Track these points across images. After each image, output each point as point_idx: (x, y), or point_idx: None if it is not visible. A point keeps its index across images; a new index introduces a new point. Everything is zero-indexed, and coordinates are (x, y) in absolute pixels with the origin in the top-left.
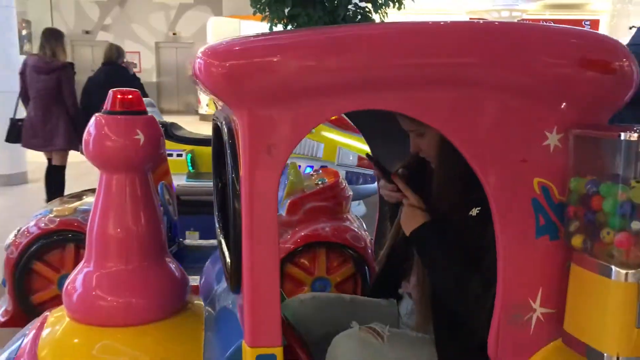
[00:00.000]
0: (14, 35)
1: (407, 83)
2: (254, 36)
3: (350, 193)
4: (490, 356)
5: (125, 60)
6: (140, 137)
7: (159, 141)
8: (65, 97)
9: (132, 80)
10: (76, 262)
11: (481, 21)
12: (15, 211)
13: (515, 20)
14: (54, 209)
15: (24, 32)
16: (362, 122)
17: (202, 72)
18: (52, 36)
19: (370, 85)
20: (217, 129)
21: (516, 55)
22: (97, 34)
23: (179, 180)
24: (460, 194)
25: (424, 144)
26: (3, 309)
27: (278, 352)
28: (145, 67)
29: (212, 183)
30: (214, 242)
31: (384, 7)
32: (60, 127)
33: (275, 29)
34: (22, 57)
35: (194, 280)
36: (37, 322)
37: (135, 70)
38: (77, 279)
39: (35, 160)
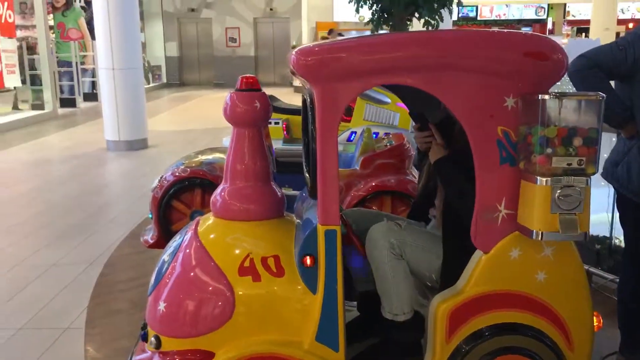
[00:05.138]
0: (136, 13)
1: (418, 70)
2: (326, 43)
3: (413, 153)
4: (473, 241)
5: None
6: (257, 105)
7: (269, 107)
8: None
9: None
10: (203, 202)
11: (472, 30)
12: (138, 171)
13: None
14: (185, 162)
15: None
16: (407, 93)
17: (295, 63)
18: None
19: (394, 70)
20: (304, 102)
21: (490, 52)
22: (202, 11)
23: (276, 145)
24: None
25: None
26: (151, 234)
27: (338, 229)
28: (244, 41)
29: None
30: None
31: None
32: None
33: (361, 9)
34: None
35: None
36: (192, 223)
37: (234, 44)
38: (218, 192)
39: (154, 129)
